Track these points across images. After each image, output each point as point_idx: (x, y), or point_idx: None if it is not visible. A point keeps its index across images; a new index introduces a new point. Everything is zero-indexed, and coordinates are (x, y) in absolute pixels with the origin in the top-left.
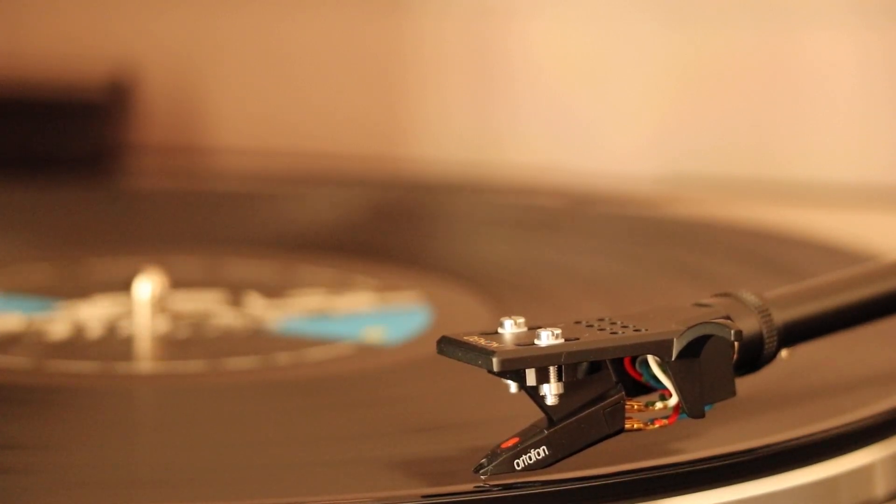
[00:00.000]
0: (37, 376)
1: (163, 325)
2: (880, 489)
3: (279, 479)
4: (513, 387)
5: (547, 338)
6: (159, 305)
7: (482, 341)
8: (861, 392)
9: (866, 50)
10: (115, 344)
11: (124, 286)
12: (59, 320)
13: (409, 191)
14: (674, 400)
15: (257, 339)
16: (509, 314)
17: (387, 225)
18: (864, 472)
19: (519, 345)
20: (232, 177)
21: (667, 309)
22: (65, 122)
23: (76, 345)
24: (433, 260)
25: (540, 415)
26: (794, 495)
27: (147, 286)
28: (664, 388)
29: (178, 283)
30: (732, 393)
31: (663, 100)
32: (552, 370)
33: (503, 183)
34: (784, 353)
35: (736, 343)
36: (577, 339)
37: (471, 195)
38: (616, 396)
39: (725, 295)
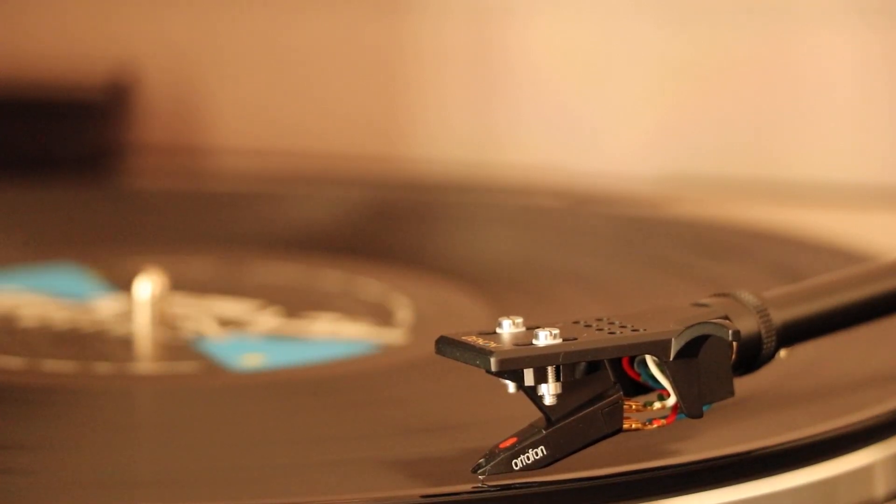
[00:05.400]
0: (36, 376)
1: (162, 326)
2: (880, 489)
3: (278, 480)
4: (511, 387)
5: (545, 338)
6: (159, 306)
7: (480, 341)
8: (861, 392)
9: (866, 50)
10: (114, 344)
11: (124, 286)
12: (59, 320)
13: (409, 191)
14: (672, 400)
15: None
16: (508, 314)
17: (386, 225)
18: (864, 473)
19: (517, 345)
20: (232, 177)
21: (665, 309)
22: (65, 122)
23: (76, 345)
24: (432, 260)
25: (538, 415)
26: (793, 495)
27: (147, 286)
28: (662, 388)
29: (178, 283)
30: (731, 393)
31: (663, 100)
32: (550, 370)
33: (503, 183)
34: (783, 353)
35: (734, 343)
36: (576, 339)
37: (470, 195)
38: (614, 396)
39: (724, 295)
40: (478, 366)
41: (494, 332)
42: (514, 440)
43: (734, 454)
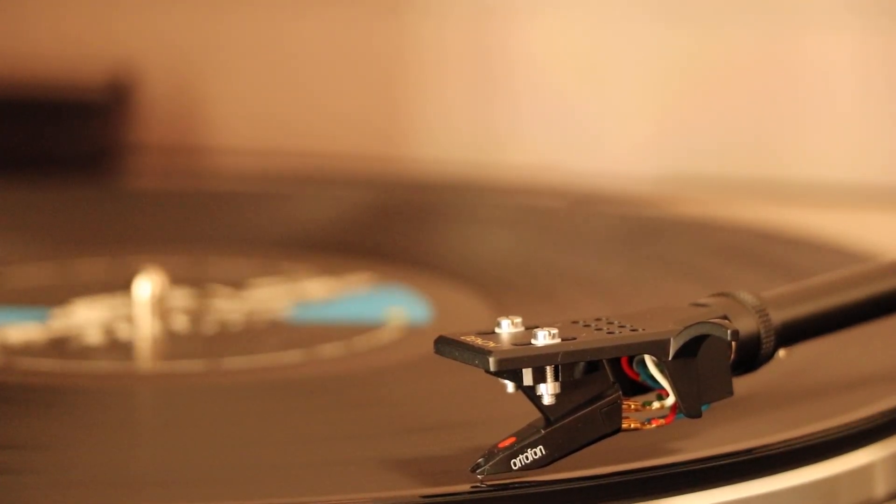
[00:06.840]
0: (36, 376)
1: (162, 325)
2: (880, 489)
3: (278, 480)
4: (510, 386)
5: (544, 338)
6: (159, 305)
7: (479, 341)
8: (861, 392)
9: (866, 50)
10: (114, 344)
11: (124, 286)
12: (59, 321)
13: (410, 191)
14: (671, 400)
15: (255, 338)
16: (508, 314)
17: (387, 225)
18: (864, 472)
19: (516, 345)
20: (232, 177)
21: (664, 309)
22: (65, 122)
23: (75, 345)
24: (433, 259)
25: (537, 414)
26: (793, 495)
27: (147, 286)
28: (661, 387)
29: (177, 282)
30: (729, 393)
31: (663, 100)
32: (549, 370)
33: (503, 183)
34: (782, 352)
35: (733, 343)
36: (574, 338)
37: (471, 195)
38: (613, 396)
39: (723, 295)
40: (476, 366)
41: (493, 332)
42: (512, 440)
43: (734, 453)
